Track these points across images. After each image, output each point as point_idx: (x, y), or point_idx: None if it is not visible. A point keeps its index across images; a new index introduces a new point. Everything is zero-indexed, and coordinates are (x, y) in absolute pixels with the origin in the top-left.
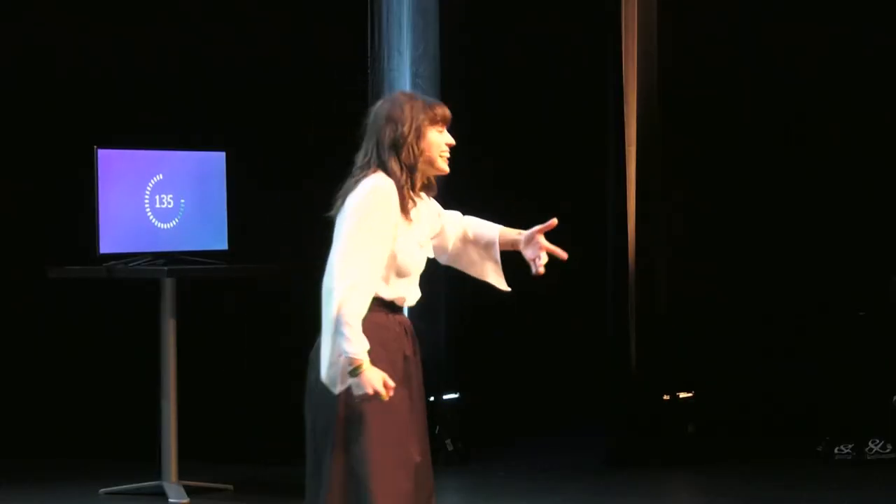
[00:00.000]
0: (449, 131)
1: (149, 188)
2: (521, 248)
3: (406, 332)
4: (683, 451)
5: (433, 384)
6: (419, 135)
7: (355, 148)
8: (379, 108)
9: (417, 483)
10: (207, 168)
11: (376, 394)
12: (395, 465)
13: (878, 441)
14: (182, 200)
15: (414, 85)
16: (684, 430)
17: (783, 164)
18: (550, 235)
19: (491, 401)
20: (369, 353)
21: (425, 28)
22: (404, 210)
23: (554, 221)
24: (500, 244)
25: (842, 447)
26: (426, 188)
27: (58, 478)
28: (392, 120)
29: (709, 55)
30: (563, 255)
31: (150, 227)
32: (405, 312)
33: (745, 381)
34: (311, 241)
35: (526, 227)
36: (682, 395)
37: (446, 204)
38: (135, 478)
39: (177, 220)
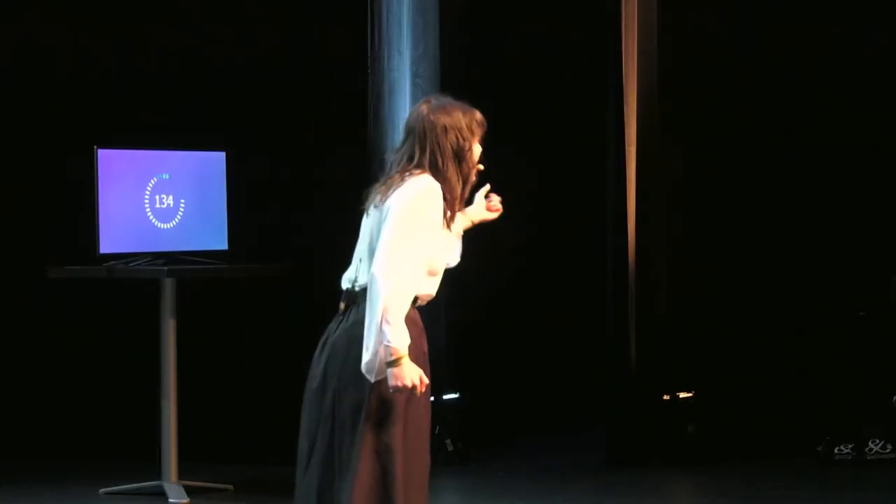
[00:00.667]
0: None
1: (149, 188)
2: (475, 217)
3: (423, 328)
4: (683, 451)
5: (433, 384)
6: (470, 147)
7: (355, 148)
8: (428, 113)
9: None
10: (207, 168)
11: (413, 388)
12: (416, 457)
13: (878, 441)
14: (182, 200)
15: (414, 85)
16: (684, 430)
17: (783, 163)
18: (549, 234)
19: (491, 401)
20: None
21: (425, 28)
22: (452, 215)
23: (488, 187)
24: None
25: (842, 447)
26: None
27: (58, 478)
28: (454, 129)
29: (709, 55)
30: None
31: (150, 227)
32: None
33: (745, 381)
34: (312, 241)
35: (525, 229)
36: (682, 395)
37: None
38: (135, 478)
39: (177, 220)
